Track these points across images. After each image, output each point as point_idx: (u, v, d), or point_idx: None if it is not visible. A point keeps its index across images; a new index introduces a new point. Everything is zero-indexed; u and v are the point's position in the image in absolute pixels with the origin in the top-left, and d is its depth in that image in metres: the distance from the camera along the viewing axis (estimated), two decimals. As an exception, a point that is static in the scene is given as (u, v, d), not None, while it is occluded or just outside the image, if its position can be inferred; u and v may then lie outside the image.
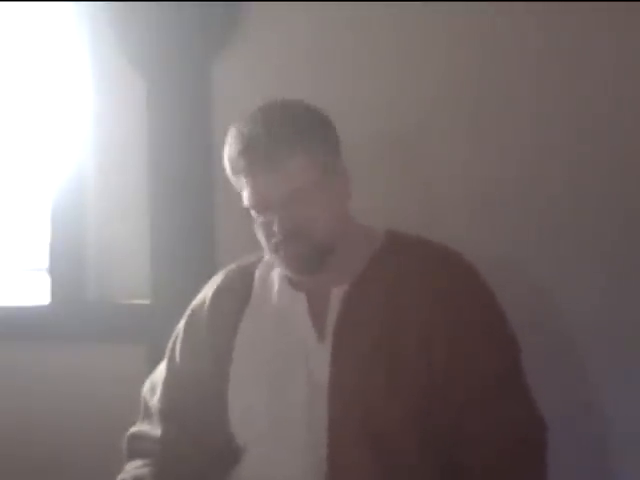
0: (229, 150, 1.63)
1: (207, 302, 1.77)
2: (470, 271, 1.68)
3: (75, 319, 2.34)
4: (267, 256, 1.71)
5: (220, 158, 2.17)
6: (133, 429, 1.81)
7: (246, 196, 1.62)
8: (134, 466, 1.75)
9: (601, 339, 2.00)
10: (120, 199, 2.31)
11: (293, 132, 1.59)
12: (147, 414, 1.82)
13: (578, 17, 1.95)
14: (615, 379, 1.99)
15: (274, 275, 1.74)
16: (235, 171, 1.63)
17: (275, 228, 1.59)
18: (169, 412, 1.77)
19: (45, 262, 2.40)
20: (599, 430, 2.01)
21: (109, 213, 2.33)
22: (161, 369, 1.83)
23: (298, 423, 1.64)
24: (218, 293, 1.77)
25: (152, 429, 1.78)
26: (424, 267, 1.67)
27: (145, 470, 1.73)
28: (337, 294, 1.67)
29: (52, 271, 2.38)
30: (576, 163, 2.00)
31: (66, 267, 2.36)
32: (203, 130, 2.21)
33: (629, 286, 1.98)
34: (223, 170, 2.19)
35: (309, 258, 1.61)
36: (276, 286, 1.73)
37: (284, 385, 1.66)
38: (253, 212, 1.64)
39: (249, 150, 1.58)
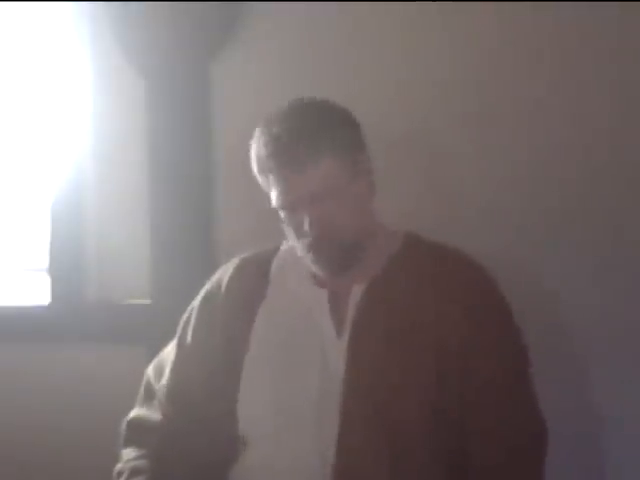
0: (257, 150, 1.64)
1: (223, 287, 1.78)
2: (486, 277, 1.70)
3: (75, 319, 2.33)
4: (285, 246, 1.75)
5: (220, 158, 2.18)
6: (132, 414, 1.81)
7: (274, 196, 1.63)
8: (131, 456, 1.75)
9: (602, 339, 2.00)
10: (120, 199, 2.31)
11: (320, 133, 1.61)
12: (149, 396, 1.81)
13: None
14: (615, 379, 1.99)
15: (293, 266, 1.75)
16: (263, 171, 1.64)
17: (306, 228, 1.61)
18: (175, 394, 1.77)
19: (45, 262, 2.40)
20: (599, 430, 2.01)
21: (109, 213, 2.33)
22: (168, 351, 1.84)
23: (308, 415, 1.64)
24: (235, 279, 1.78)
25: (153, 413, 1.78)
26: (440, 270, 1.69)
27: (143, 462, 1.73)
28: (357, 292, 1.68)
29: (52, 271, 2.38)
30: (582, 163, 2.00)
31: (66, 267, 2.36)
32: (203, 130, 2.21)
33: (630, 286, 1.99)
34: (223, 170, 2.21)
35: (340, 258, 1.64)
36: (294, 277, 1.74)
37: (298, 376, 1.67)
38: (282, 212, 1.65)
39: (277, 151, 1.60)
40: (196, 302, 1.81)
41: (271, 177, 1.63)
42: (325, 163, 1.60)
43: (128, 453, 1.76)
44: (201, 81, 2.21)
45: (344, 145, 1.63)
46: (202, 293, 1.82)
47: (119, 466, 1.75)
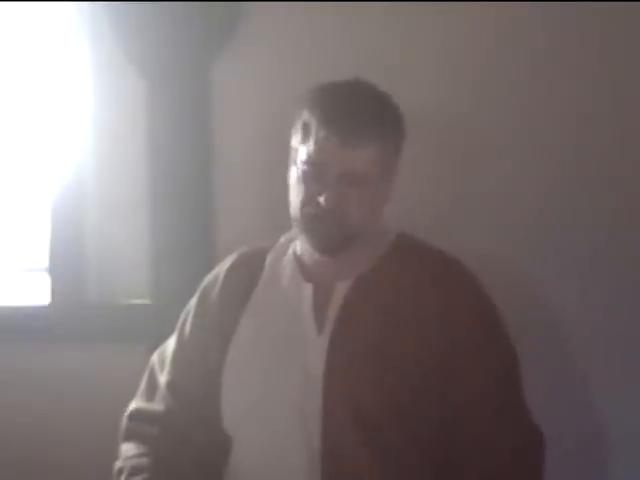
0: (311, 109, 1.62)
1: (219, 281, 1.79)
2: (472, 281, 1.70)
3: (75, 319, 2.33)
4: (283, 240, 1.75)
5: (220, 158, 2.18)
6: (133, 406, 1.81)
7: (308, 152, 1.61)
8: (131, 454, 1.75)
9: (599, 338, 2.00)
10: (120, 199, 2.31)
11: (380, 119, 1.62)
12: (152, 386, 1.82)
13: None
14: (615, 379, 1.99)
15: (285, 261, 1.76)
16: (306, 133, 1.62)
17: (321, 200, 1.60)
18: (175, 386, 1.78)
19: (45, 262, 2.40)
20: (599, 430, 2.01)
21: (109, 213, 2.33)
22: (171, 343, 1.84)
23: (290, 412, 1.65)
24: (230, 273, 1.79)
25: (154, 405, 1.78)
26: (428, 272, 1.69)
27: (144, 460, 1.72)
28: (341, 289, 1.68)
29: (52, 271, 2.38)
30: (572, 162, 2.01)
31: (66, 267, 2.35)
32: (203, 130, 2.21)
33: (627, 286, 1.99)
34: (223, 170, 2.21)
35: (337, 240, 1.63)
36: (286, 272, 1.74)
37: (279, 372, 1.67)
38: (303, 170, 1.63)
39: (333, 121, 1.59)
40: (195, 296, 1.83)
41: (312, 141, 1.61)
42: (373, 149, 1.61)
43: (128, 449, 1.76)
44: (201, 81, 2.21)
45: (394, 140, 1.65)
46: (200, 288, 1.83)
47: (119, 463, 1.75)
